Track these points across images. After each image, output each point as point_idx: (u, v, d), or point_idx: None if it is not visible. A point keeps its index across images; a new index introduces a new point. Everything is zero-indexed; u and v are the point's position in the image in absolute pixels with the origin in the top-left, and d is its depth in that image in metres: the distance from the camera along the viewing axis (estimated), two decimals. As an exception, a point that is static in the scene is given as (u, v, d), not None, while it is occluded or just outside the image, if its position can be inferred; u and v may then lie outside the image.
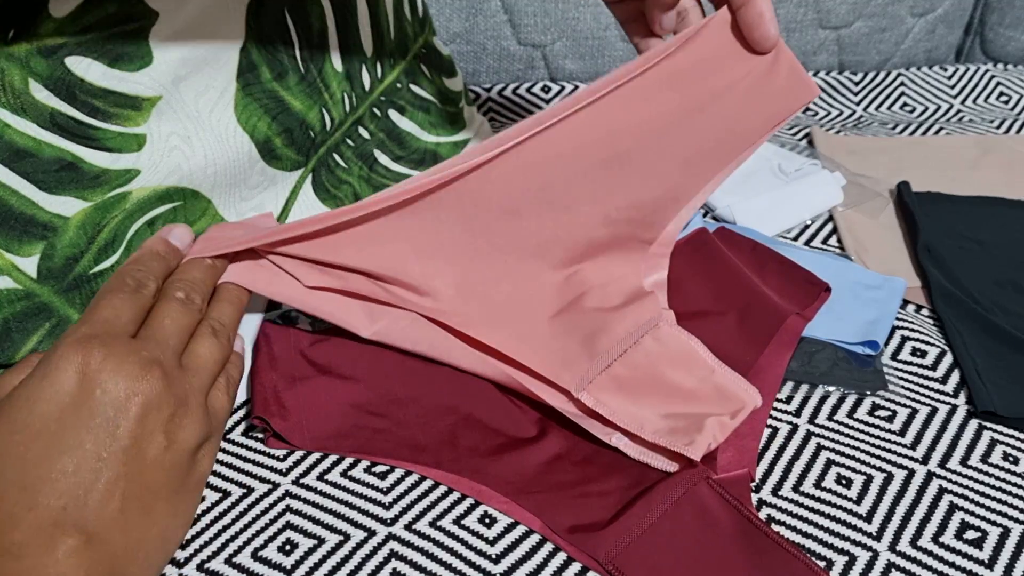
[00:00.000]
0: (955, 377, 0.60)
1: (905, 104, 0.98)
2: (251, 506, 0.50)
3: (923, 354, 0.62)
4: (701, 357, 0.55)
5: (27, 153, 0.52)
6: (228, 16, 0.59)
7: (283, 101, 0.65)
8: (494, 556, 0.48)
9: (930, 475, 0.53)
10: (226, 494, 0.51)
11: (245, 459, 0.53)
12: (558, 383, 0.54)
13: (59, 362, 0.41)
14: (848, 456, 0.54)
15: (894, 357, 0.62)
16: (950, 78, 1.01)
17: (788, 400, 0.58)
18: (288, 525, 0.49)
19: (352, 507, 0.50)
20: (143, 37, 0.55)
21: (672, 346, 0.55)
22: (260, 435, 0.54)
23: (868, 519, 0.51)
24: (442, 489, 0.51)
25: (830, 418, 0.57)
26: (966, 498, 0.52)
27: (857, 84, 1.00)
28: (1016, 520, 0.51)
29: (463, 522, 0.49)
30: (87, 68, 0.52)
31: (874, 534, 0.50)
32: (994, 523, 0.50)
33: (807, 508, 0.51)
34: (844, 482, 0.53)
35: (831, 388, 0.58)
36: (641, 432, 0.51)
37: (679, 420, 0.52)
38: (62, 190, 0.53)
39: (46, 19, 0.50)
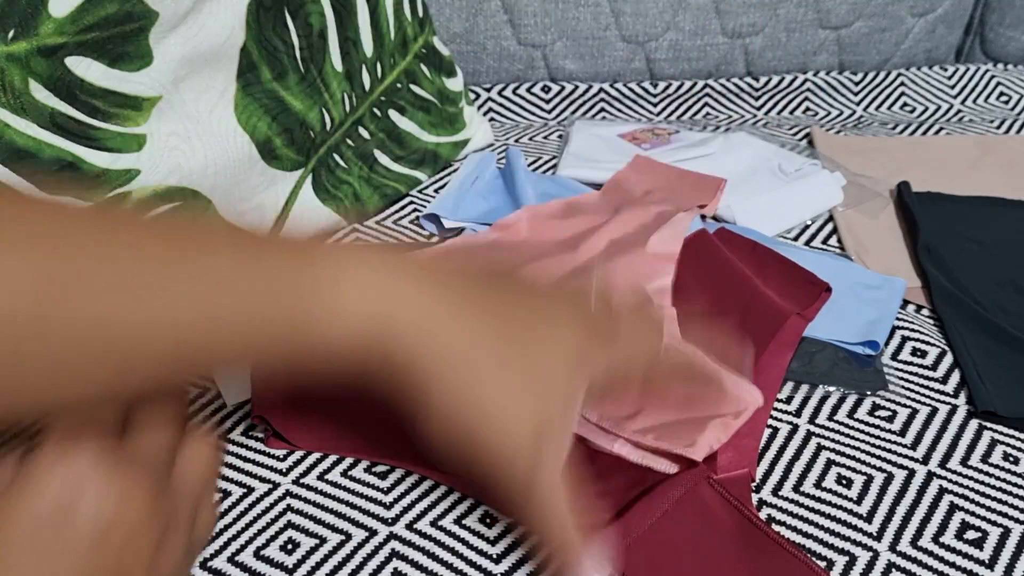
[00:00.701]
0: (955, 377, 0.60)
1: (905, 104, 0.98)
2: (252, 505, 0.50)
3: (923, 354, 0.62)
4: (702, 364, 0.54)
5: (27, 153, 0.52)
6: (228, 16, 0.59)
7: (283, 101, 0.65)
8: (495, 556, 0.48)
9: (930, 475, 0.53)
10: (227, 494, 0.51)
11: (245, 459, 0.53)
12: None
13: (44, 472, 0.36)
14: (848, 456, 0.54)
15: (894, 357, 0.62)
16: (950, 78, 1.01)
17: (788, 400, 0.58)
18: (289, 524, 0.49)
19: (353, 507, 0.50)
20: (143, 37, 0.55)
21: (672, 356, 0.55)
22: (260, 435, 0.54)
23: (868, 519, 0.50)
24: (442, 489, 0.51)
25: (830, 418, 0.57)
26: (966, 498, 0.52)
27: (857, 84, 1.00)
28: (1016, 520, 0.51)
29: (464, 522, 0.49)
30: (87, 68, 0.52)
31: (874, 534, 0.50)
32: (994, 523, 0.50)
33: (807, 508, 0.51)
34: (844, 482, 0.53)
35: (831, 388, 0.58)
36: (643, 439, 0.51)
37: (681, 425, 0.52)
38: (62, 190, 0.53)
39: (46, 19, 0.50)
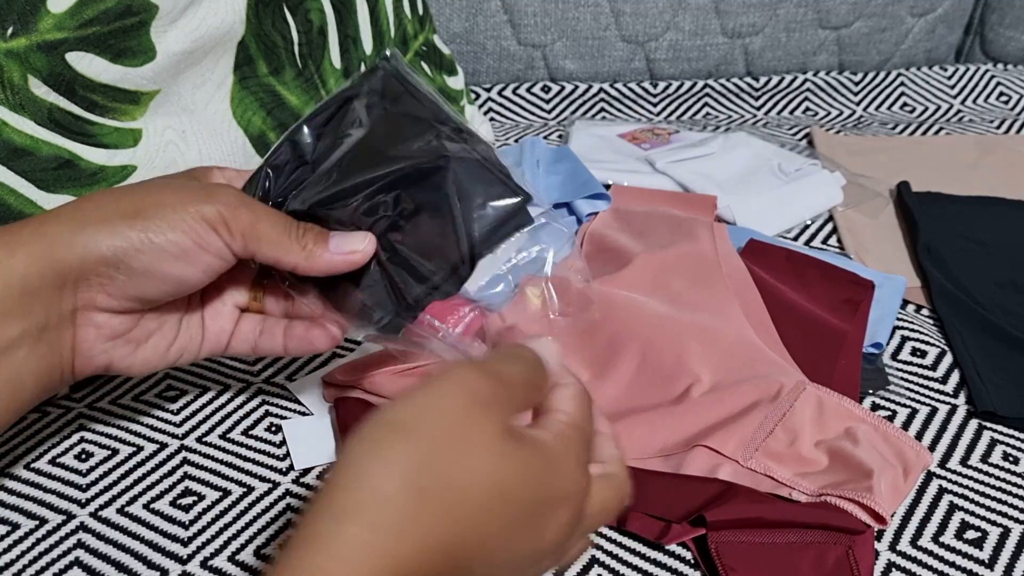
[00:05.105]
0: (955, 377, 0.60)
1: (905, 104, 0.98)
2: (252, 505, 0.50)
3: (923, 354, 0.62)
4: (857, 415, 0.54)
5: (25, 151, 0.51)
6: (229, 9, 0.59)
7: (279, 95, 0.64)
8: (494, 555, 0.47)
9: (930, 475, 0.53)
10: (227, 493, 0.51)
11: (245, 459, 0.53)
12: (722, 451, 0.52)
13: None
14: (848, 456, 0.54)
15: (894, 357, 0.61)
16: (950, 78, 1.01)
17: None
18: (290, 524, 0.49)
19: (351, 506, 0.50)
20: (144, 31, 0.54)
21: (826, 407, 0.54)
22: (260, 435, 0.54)
23: (868, 519, 0.50)
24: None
25: (830, 418, 0.57)
26: (966, 498, 0.52)
27: (857, 84, 1.00)
28: (1016, 520, 0.51)
29: (463, 521, 0.49)
30: (89, 64, 0.52)
31: (875, 534, 0.49)
32: (994, 523, 0.50)
33: (807, 508, 0.51)
34: (844, 482, 0.53)
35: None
36: (811, 491, 0.50)
37: (848, 474, 0.51)
38: (60, 188, 0.53)
39: (44, 15, 0.50)
